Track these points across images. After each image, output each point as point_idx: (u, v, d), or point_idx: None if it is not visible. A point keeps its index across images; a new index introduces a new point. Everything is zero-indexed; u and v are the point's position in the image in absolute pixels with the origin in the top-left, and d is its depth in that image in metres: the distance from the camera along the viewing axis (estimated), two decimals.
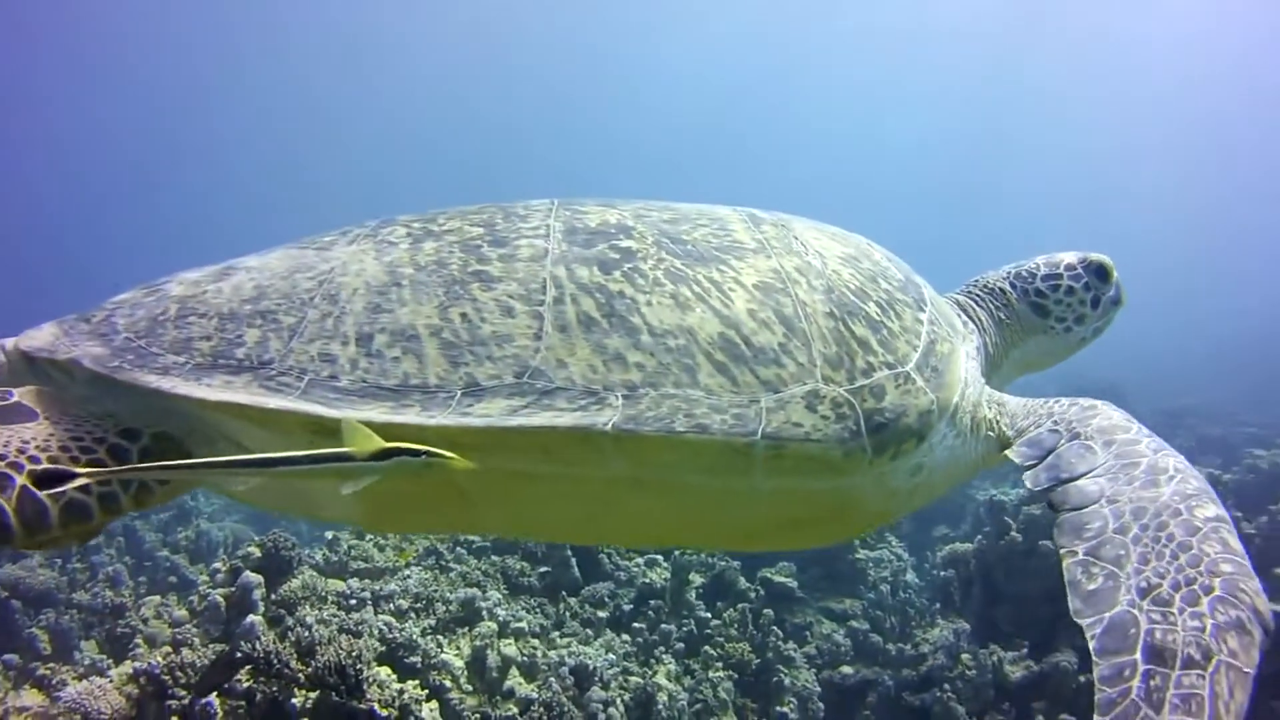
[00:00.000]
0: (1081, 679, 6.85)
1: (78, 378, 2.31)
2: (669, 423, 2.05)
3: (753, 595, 8.22)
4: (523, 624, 6.72)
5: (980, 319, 3.15)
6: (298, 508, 2.62)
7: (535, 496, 2.27)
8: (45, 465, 2.01)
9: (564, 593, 7.50)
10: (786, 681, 7.30)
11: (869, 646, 7.69)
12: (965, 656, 6.91)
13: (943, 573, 8.00)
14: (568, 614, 7.31)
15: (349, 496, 2.07)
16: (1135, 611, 1.96)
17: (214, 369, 2.16)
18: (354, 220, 2.74)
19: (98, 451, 2.13)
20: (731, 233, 2.52)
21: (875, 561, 8.55)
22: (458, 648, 6.43)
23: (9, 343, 2.51)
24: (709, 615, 7.40)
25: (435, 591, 6.82)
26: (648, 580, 7.64)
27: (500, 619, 6.64)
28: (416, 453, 1.91)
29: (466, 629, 6.59)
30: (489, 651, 6.26)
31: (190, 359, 2.18)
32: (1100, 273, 3.26)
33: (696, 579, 7.99)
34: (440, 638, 6.44)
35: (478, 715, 6.06)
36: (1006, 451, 2.58)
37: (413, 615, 6.59)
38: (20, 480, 1.97)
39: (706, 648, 7.08)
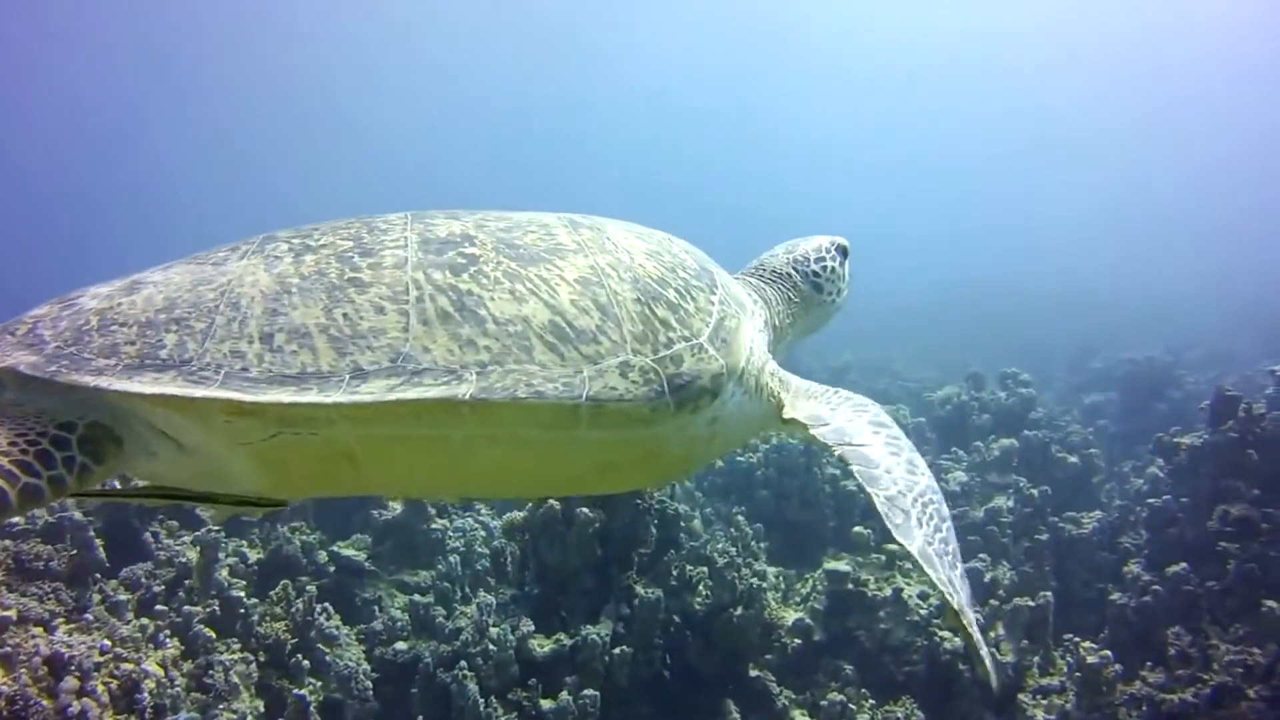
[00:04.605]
0: (617, 651, 6.82)
1: (8, 384, 2.63)
2: (513, 391, 2.56)
3: (331, 569, 8.01)
4: (10, 612, 6.27)
5: (771, 298, 3.75)
6: (210, 486, 2.91)
7: (410, 455, 2.76)
8: (1, 461, 2.34)
9: (96, 575, 7.10)
10: (329, 659, 7.11)
11: (429, 621, 7.52)
12: (494, 631, 6.79)
13: (495, 542, 7.90)
14: (93, 598, 6.91)
15: (255, 469, 2.67)
16: (928, 547, 2.73)
17: (142, 368, 2.50)
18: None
19: (42, 443, 2.43)
20: (555, 236, 3.00)
21: (456, 531, 8.41)
22: None
23: None
24: (241, 594, 7.08)
25: None
26: (186, 559, 7.29)
27: None
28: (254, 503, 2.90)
29: None
30: None
31: (119, 361, 2.52)
32: (845, 252, 4.05)
33: (253, 554, 7.70)
34: None
35: None
36: (791, 414, 3.15)
37: None
38: None
39: (207, 630, 6.75)
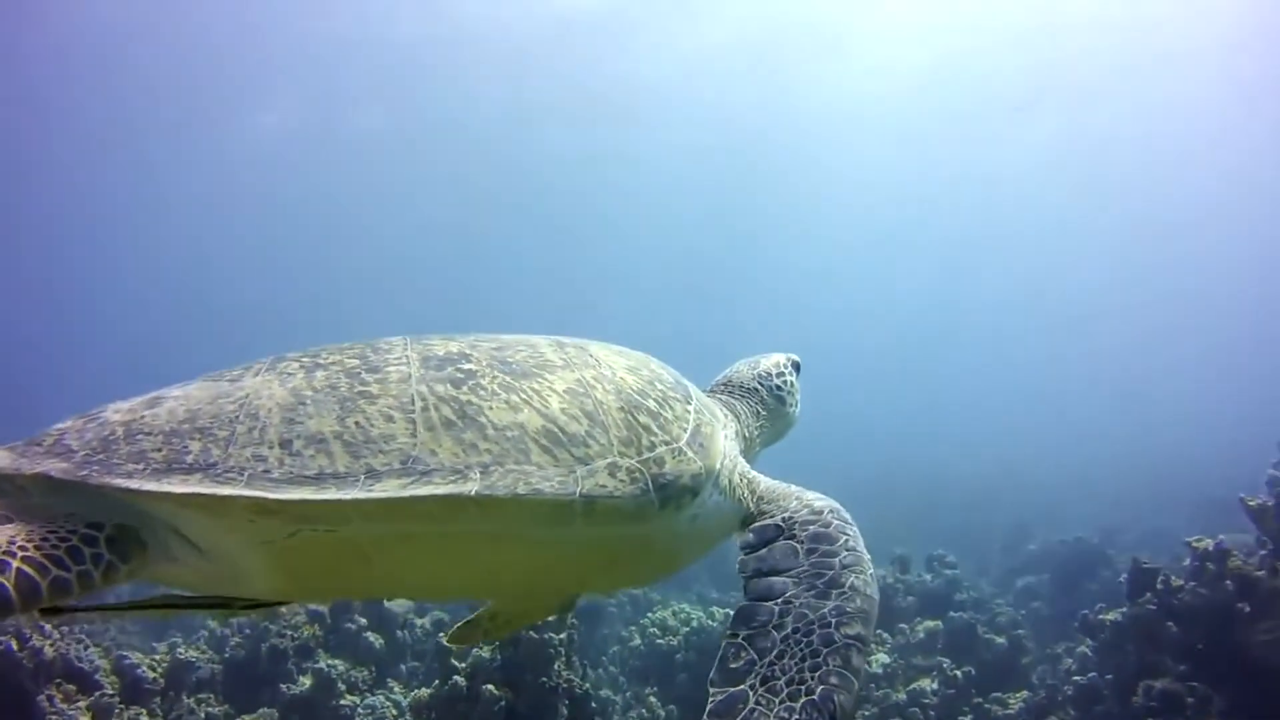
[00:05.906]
0: None
1: (37, 490, 2.72)
2: (514, 488, 2.73)
3: None
4: None
5: (741, 412, 4.01)
6: (224, 589, 3.06)
7: (420, 552, 2.91)
8: (33, 554, 2.45)
9: None
10: None
11: None
12: None
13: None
14: None
15: (273, 569, 2.80)
16: (750, 692, 2.59)
17: (170, 471, 2.63)
18: None
19: (72, 539, 2.55)
20: (543, 354, 3.25)
21: (366, 708, 8.16)
22: None
23: None
24: None
25: None
26: None
27: None
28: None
29: None
30: None
31: (148, 465, 2.65)
32: (798, 367, 4.37)
33: None
34: None
35: None
36: (740, 531, 3.27)
37: None
38: (15, 564, 2.39)
39: None
